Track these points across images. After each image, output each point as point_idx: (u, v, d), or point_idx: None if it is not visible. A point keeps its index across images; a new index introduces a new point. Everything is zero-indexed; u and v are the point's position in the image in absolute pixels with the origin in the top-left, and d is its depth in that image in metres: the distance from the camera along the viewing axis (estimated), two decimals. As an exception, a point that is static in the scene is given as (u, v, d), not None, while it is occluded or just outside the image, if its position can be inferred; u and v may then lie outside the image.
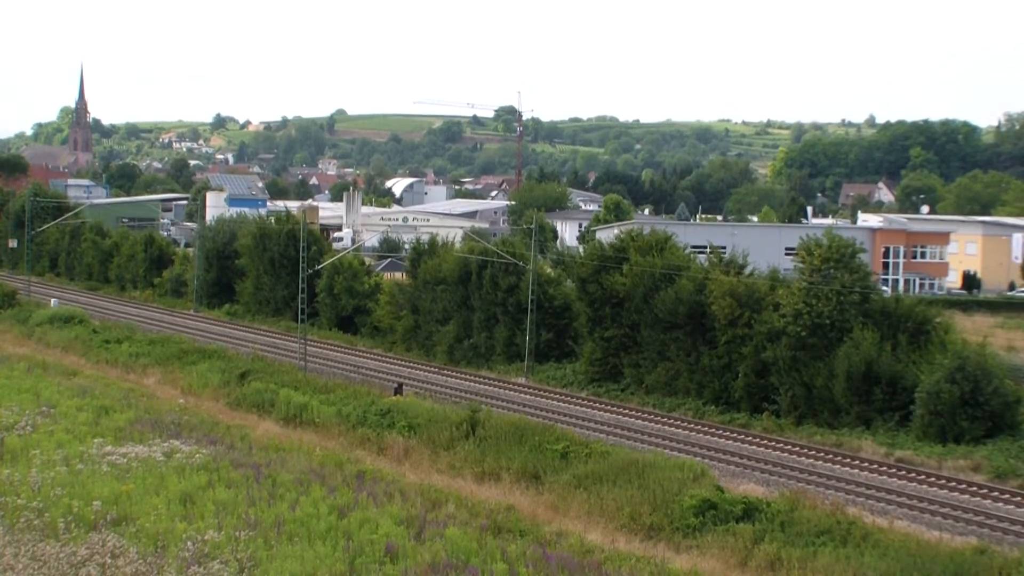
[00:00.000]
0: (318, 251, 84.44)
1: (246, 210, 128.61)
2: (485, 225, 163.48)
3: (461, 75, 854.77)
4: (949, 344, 52.66)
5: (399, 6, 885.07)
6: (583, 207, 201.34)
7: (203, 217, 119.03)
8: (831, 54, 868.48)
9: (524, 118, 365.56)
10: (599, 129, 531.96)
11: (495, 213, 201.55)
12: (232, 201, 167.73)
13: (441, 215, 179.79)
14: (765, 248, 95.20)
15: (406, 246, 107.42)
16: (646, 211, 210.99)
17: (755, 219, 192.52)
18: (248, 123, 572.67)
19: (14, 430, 40.68)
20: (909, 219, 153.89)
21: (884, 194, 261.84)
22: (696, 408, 56.82)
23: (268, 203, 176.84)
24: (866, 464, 46.43)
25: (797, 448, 49.23)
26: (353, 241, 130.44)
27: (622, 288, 62.52)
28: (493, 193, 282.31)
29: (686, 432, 52.37)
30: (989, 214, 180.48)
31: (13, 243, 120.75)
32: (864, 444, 48.91)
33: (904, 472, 44.95)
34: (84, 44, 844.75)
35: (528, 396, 60.53)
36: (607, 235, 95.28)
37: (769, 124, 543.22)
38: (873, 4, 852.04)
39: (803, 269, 56.48)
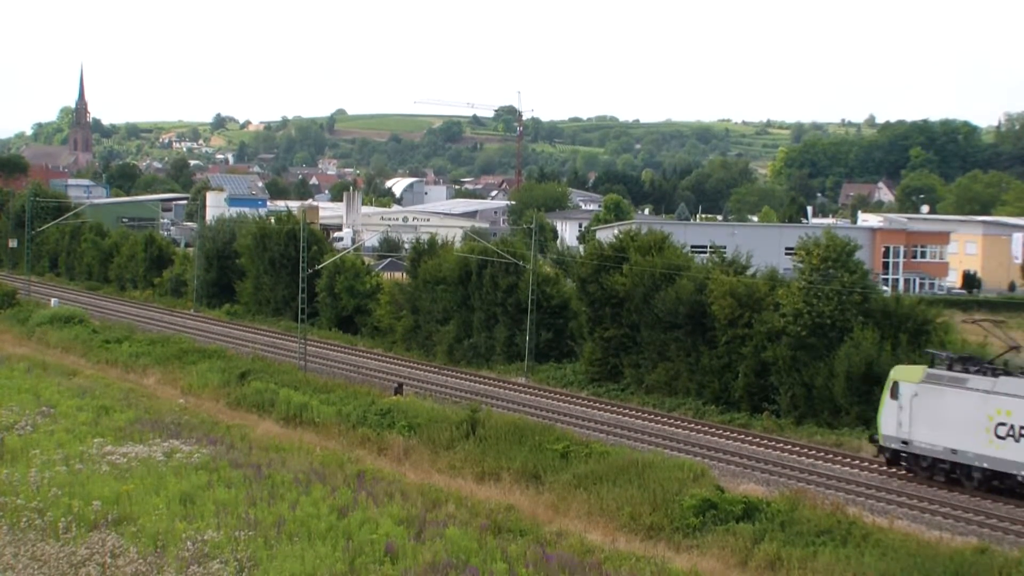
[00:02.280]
0: (318, 251, 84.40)
1: (246, 210, 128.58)
2: (485, 225, 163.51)
3: (461, 75, 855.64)
4: (949, 344, 52.64)
5: (399, 6, 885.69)
6: (583, 207, 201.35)
7: (203, 217, 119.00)
8: (831, 54, 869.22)
9: (524, 118, 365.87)
10: (599, 129, 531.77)
11: (495, 213, 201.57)
12: (232, 201, 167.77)
13: (441, 215, 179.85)
14: (765, 248, 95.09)
15: (406, 246, 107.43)
16: (646, 211, 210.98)
17: (755, 219, 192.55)
18: (248, 123, 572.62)
19: (14, 430, 40.72)
20: (909, 219, 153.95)
21: (884, 194, 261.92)
22: (696, 408, 56.81)
23: (268, 203, 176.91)
24: (866, 464, 46.41)
25: (797, 448, 49.22)
26: (353, 241, 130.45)
27: (622, 288, 62.53)
28: (493, 193, 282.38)
29: (686, 432, 52.36)
30: (989, 214, 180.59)
31: (13, 243, 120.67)
32: (864, 444, 48.86)
33: (904, 472, 44.92)
34: (84, 44, 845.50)
35: (528, 396, 60.52)
36: (607, 235, 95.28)
37: (769, 124, 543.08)
38: (873, 4, 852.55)
39: (802, 269, 56.50)
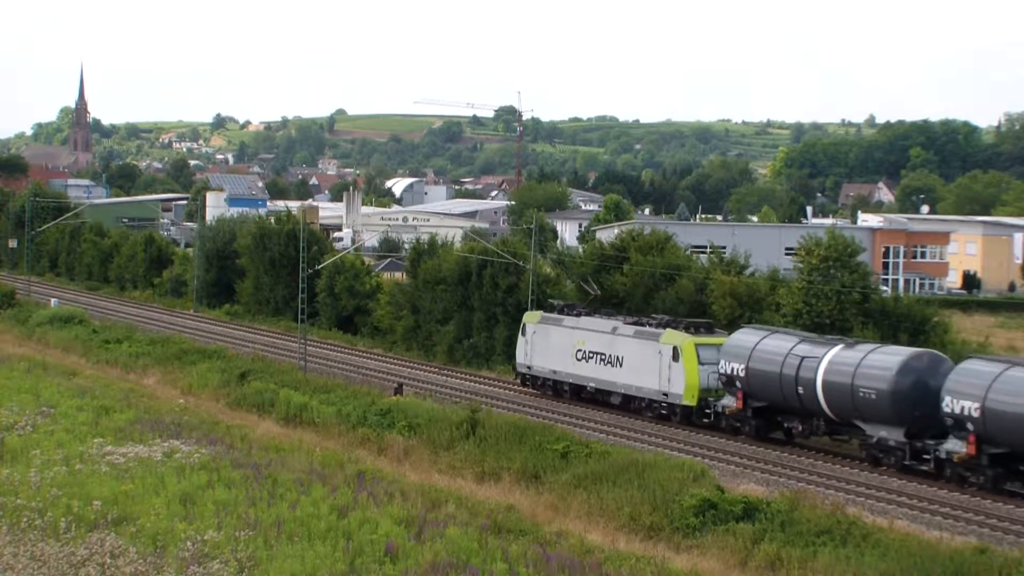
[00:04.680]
0: (318, 251, 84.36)
1: (246, 210, 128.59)
2: (485, 225, 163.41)
3: (461, 75, 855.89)
4: (949, 344, 52.65)
5: (399, 6, 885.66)
6: (583, 207, 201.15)
7: (203, 217, 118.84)
8: (831, 54, 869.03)
9: (524, 118, 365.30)
10: (599, 129, 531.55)
11: (495, 213, 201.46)
12: (232, 201, 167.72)
13: (441, 215, 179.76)
14: (765, 248, 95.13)
15: (406, 246, 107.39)
16: (646, 211, 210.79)
17: (755, 219, 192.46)
18: (248, 123, 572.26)
19: (14, 430, 40.73)
20: (909, 219, 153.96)
21: (884, 194, 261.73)
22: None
23: (268, 203, 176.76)
24: (866, 464, 46.40)
25: (797, 448, 49.21)
26: (353, 241, 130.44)
27: (622, 288, 62.50)
28: (493, 193, 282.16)
29: (686, 432, 52.32)
30: (989, 214, 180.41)
31: (13, 243, 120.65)
32: (864, 444, 48.82)
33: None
34: (84, 44, 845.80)
35: (528, 396, 60.47)
36: (607, 235, 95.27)
37: (769, 124, 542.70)
38: (873, 4, 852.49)
39: (802, 269, 56.51)
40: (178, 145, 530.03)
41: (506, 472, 41.88)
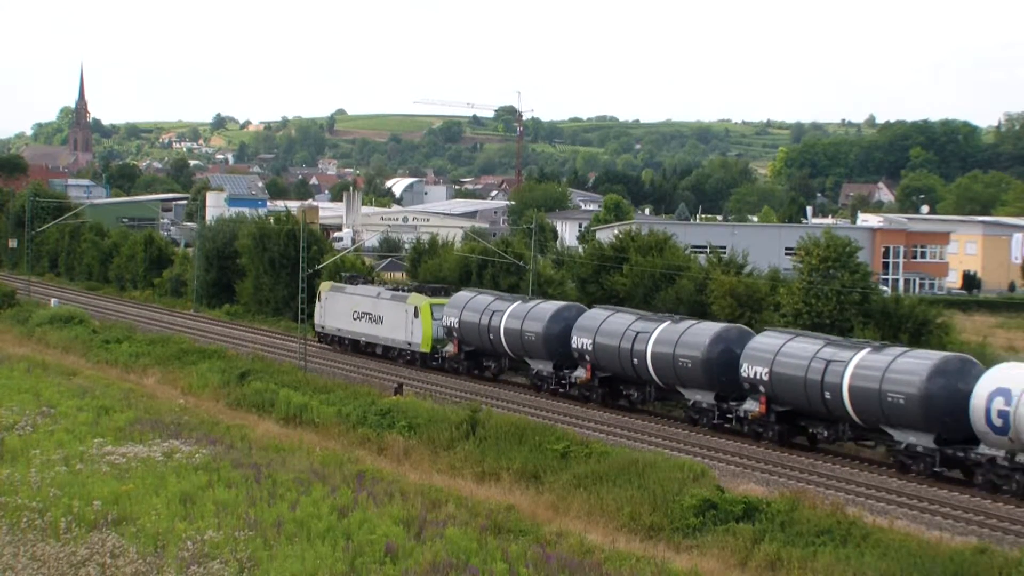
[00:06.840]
0: (318, 251, 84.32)
1: (246, 210, 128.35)
2: (485, 225, 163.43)
3: (461, 75, 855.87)
4: (949, 344, 52.64)
5: (399, 6, 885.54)
6: (583, 207, 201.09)
7: (203, 217, 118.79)
8: (831, 54, 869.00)
9: (524, 118, 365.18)
10: (599, 129, 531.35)
11: (495, 213, 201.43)
12: (232, 201, 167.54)
13: (441, 215, 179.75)
14: (765, 248, 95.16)
15: (406, 246, 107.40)
16: (646, 211, 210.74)
17: (755, 219, 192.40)
18: (248, 123, 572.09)
19: (14, 430, 40.73)
20: (909, 219, 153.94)
21: (884, 194, 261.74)
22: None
23: (268, 203, 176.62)
24: (866, 464, 46.43)
25: (797, 448, 49.20)
26: (353, 241, 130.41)
27: (622, 288, 62.52)
28: (493, 193, 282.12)
29: (686, 432, 52.34)
30: (989, 214, 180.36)
31: (13, 243, 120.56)
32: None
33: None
34: (84, 44, 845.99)
35: (528, 396, 60.46)
36: (607, 235, 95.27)
37: (769, 124, 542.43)
38: (873, 4, 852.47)
39: (802, 269, 56.52)
40: (178, 145, 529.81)
41: (506, 472, 41.86)
